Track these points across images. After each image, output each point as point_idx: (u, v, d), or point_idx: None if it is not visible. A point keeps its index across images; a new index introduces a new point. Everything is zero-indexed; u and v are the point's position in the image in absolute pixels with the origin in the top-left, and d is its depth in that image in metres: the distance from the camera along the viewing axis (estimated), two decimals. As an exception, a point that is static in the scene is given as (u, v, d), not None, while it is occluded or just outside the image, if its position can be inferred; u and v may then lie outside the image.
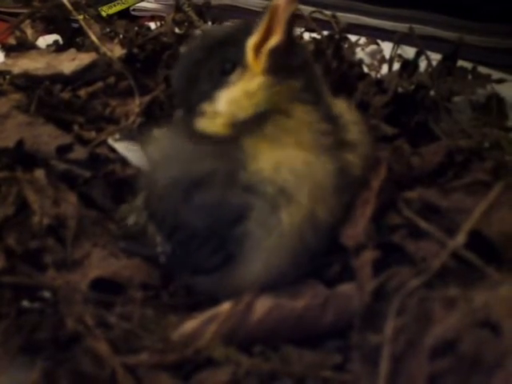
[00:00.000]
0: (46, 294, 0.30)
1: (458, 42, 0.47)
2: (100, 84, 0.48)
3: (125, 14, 0.75)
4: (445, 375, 0.24)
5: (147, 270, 0.33)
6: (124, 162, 0.41)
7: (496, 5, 0.65)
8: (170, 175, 0.31)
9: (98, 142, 0.42)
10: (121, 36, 0.54)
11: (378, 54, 0.54)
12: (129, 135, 0.44)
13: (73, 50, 0.52)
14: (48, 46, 0.54)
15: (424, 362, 0.24)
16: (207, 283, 0.32)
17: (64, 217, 0.34)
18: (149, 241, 0.33)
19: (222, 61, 0.31)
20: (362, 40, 0.55)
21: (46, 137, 0.40)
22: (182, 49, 0.51)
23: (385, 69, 0.51)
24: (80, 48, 0.52)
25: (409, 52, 0.50)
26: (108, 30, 0.54)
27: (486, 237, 0.28)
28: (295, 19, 0.30)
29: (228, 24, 0.53)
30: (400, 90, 0.45)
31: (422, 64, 0.47)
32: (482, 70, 0.47)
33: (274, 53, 0.29)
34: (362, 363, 0.26)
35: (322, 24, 0.54)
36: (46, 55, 0.51)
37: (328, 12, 0.55)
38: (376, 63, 0.52)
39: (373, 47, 0.55)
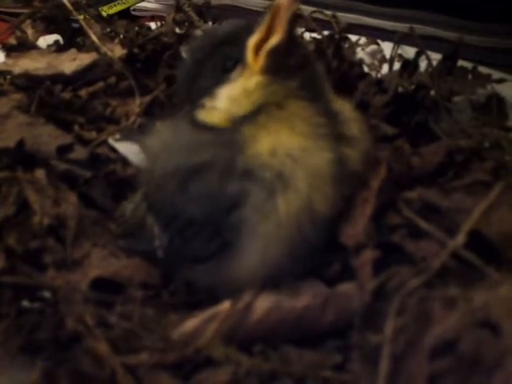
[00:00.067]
0: (46, 294, 0.31)
1: (458, 42, 0.47)
2: (100, 84, 0.48)
3: (125, 14, 0.75)
4: (444, 375, 0.24)
5: (147, 269, 0.33)
6: (124, 161, 0.41)
7: (496, 5, 0.65)
8: (168, 164, 0.32)
9: (99, 142, 0.42)
10: (121, 36, 0.54)
11: (379, 54, 0.54)
12: (129, 135, 0.44)
13: (73, 50, 0.52)
14: (49, 46, 0.54)
15: (424, 361, 0.24)
16: (205, 274, 0.32)
17: (64, 217, 0.34)
18: (147, 234, 0.33)
19: (224, 58, 0.31)
20: (363, 40, 0.55)
21: (47, 137, 0.40)
22: (183, 49, 0.51)
23: (385, 69, 0.51)
24: (80, 48, 0.53)
25: (409, 52, 0.50)
26: (108, 30, 0.54)
27: (485, 237, 0.28)
28: (296, 19, 0.30)
29: (230, 22, 0.53)
30: (400, 89, 0.46)
31: (423, 64, 0.47)
32: (482, 69, 0.47)
33: (273, 52, 0.30)
34: (361, 363, 0.26)
35: (322, 24, 0.54)
36: (47, 55, 0.51)
37: (328, 12, 0.55)
38: (376, 63, 0.52)
39: (373, 47, 0.55)
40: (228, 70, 0.31)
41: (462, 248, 0.28)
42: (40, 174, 0.36)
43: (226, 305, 0.30)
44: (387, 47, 0.52)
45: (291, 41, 0.30)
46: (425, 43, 0.47)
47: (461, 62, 0.47)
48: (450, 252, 0.28)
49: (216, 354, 0.28)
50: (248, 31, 0.31)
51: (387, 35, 0.57)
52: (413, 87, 0.45)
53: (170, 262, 0.33)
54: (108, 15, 0.66)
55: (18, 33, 0.54)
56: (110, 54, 0.49)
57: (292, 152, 0.29)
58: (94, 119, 0.45)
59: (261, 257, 0.29)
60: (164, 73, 0.49)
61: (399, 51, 0.50)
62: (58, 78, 0.47)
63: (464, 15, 0.67)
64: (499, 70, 0.49)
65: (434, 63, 0.46)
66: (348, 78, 0.47)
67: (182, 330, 0.29)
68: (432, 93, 0.45)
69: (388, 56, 0.50)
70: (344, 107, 0.33)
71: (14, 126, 0.40)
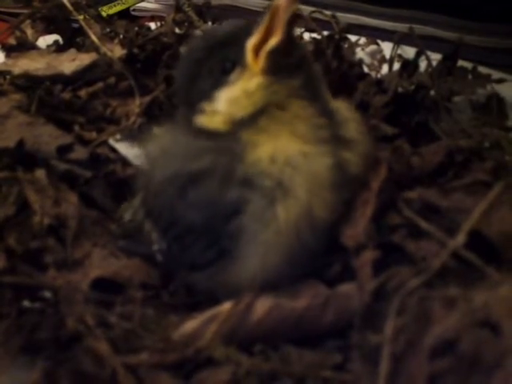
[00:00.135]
0: (47, 294, 0.31)
1: (458, 42, 0.47)
2: (100, 84, 0.48)
3: (125, 14, 0.75)
4: (444, 375, 0.24)
5: (147, 269, 0.33)
6: (124, 162, 0.41)
7: (496, 5, 0.65)
8: (167, 170, 0.31)
9: (99, 142, 0.42)
10: (121, 36, 0.54)
11: (378, 54, 0.54)
12: (129, 135, 0.44)
13: (73, 51, 0.52)
14: (48, 46, 0.54)
15: (424, 361, 0.24)
16: (204, 280, 0.32)
17: (64, 217, 0.34)
18: (145, 238, 0.33)
19: (223, 60, 0.31)
20: (362, 40, 0.55)
21: (47, 137, 0.40)
22: (183, 49, 0.51)
23: (385, 69, 0.51)
24: (80, 48, 0.53)
25: (409, 52, 0.50)
26: (108, 30, 0.54)
27: (485, 237, 0.28)
28: (295, 19, 0.30)
29: (229, 23, 0.53)
30: (400, 89, 0.46)
31: (422, 64, 0.47)
32: (482, 69, 0.47)
33: (273, 53, 0.29)
34: (362, 363, 0.26)
35: (322, 24, 0.54)
36: (47, 55, 0.51)
37: (328, 12, 0.55)
38: (376, 63, 0.53)
39: (373, 47, 0.55)
40: (227, 71, 0.31)
41: (462, 248, 0.28)
42: (40, 173, 0.36)
43: (226, 306, 0.30)
44: (387, 47, 0.52)
45: (290, 41, 0.30)
46: (424, 43, 0.47)
47: (461, 62, 0.47)
48: (450, 252, 0.28)
49: (216, 354, 0.28)
50: (246, 32, 0.31)
51: (387, 35, 0.57)
52: (413, 87, 0.45)
53: (168, 267, 0.33)
54: (108, 15, 0.66)
55: (18, 33, 0.54)
56: (109, 54, 0.49)
57: (292, 158, 0.29)
58: (94, 119, 0.45)
59: (260, 264, 0.29)
60: (164, 73, 0.49)
61: (399, 51, 0.50)
62: (58, 78, 0.47)
63: (464, 15, 0.67)
64: (499, 70, 0.49)
65: (434, 63, 0.46)
66: (348, 78, 0.47)
67: (183, 331, 0.29)
68: (432, 93, 0.45)
69: (388, 56, 0.50)
70: (341, 107, 0.33)
71: (14, 125, 0.40)
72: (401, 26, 0.64)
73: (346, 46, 0.52)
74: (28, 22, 0.55)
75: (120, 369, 0.27)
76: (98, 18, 0.56)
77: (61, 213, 0.34)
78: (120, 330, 0.29)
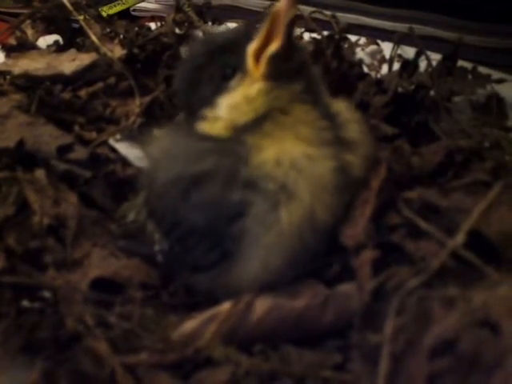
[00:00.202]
0: (46, 294, 0.31)
1: (458, 42, 0.47)
2: (100, 84, 0.48)
3: (125, 15, 0.75)
4: (444, 375, 0.24)
5: (147, 269, 0.33)
6: (124, 162, 0.41)
7: (496, 5, 0.65)
8: (170, 172, 0.31)
9: (99, 142, 0.42)
10: (121, 36, 0.54)
11: (378, 54, 0.54)
12: (129, 135, 0.44)
13: (73, 51, 0.52)
14: (48, 46, 0.54)
15: (423, 361, 0.24)
16: (206, 281, 0.32)
17: (64, 217, 0.34)
18: (147, 238, 0.33)
19: (223, 66, 0.31)
20: (362, 40, 0.55)
21: (47, 137, 0.40)
22: (183, 49, 0.51)
23: (385, 69, 0.51)
24: (80, 48, 0.53)
25: (409, 52, 0.50)
26: (108, 30, 0.54)
27: (485, 236, 0.28)
28: (295, 23, 0.30)
29: (229, 28, 0.53)
30: (400, 89, 0.46)
31: (422, 64, 0.47)
32: (482, 69, 0.47)
33: (274, 59, 0.29)
34: (361, 363, 0.26)
35: (322, 24, 0.54)
36: (47, 55, 0.51)
37: (328, 12, 0.55)
38: (376, 63, 0.52)
39: (373, 47, 0.55)
40: (227, 77, 0.31)
41: (461, 248, 0.28)
42: (40, 173, 0.36)
43: (225, 305, 0.30)
44: (387, 47, 0.52)
45: (291, 46, 0.30)
46: (424, 43, 0.47)
47: (461, 62, 0.47)
48: (449, 252, 0.28)
49: (215, 354, 0.28)
50: (246, 38, 0.31)
51: (387, 35, 0.57)
52: (412, 87, 0.45)
53: (169, 268, 0.33)
54: (108, 15, 0.66)
55: (18, 33, 0.54)
56: (109, 54, 0.49)
57: (296, 162, 0.29)
58: (94, 119, 0.45)
59: (261, 265, 0.29)
60: (164, 73, 0.49)
61: (399, 51, 0.50)
62: (58, 79, 0.47)
63: (464, 15, 0.67)
64: (499, 70, 0.49)
65: (434, 63, 0.46)
66: (348, 78, 0.47)
67: (182, 331, 0.29)
68: (432, 93, 0.45)
69: (388, 56, 0.50)
70: (342, 108, 0.33)
71: (14, 125, 0.40)
72: (401, 26, 0.64)
73: (346, 46, 0.52)
74: (28, 22, 0.55)
75: (119, 369, 0.27)
76: (98, 18, 0.56)
77: (60, 213, 0.34)
78: (119, 330, 0.29)
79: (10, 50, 0.52)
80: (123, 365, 0.27)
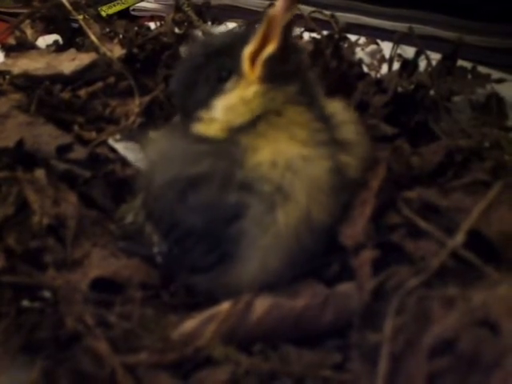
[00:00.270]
0: (46, 294, 0.31)
1: (458, 42, 0.47)
2: (100, 84, 0.48)
3: (124, 14, 0.75)
4: (443, 374, 0.24)
5: (147, 269, 0.33)
6: (124, 161, 0.41)
7: (496, 5, 0.65)
8: (167, 174, 0.32)
9: (98, 142, 0.42)
10: (120, 36, 0.54)
11: (378, 54, 0.54)
12: (129, 135, 0.44)
13: (73, 50, 0.52)
14: (48, 46, 0.54)
15: (423, 361, 0.24)
16: (205, 283, 0.32)
17: (64, 217, 0.34)
18: (146, 240, 0.33)
19: (219, 69, 0.31)
20: (362, 40, 0.55)
21: (47, 137, 0.40)
22: (182, 49, 0.51)
23: (384, 68, 0.51)
24: (80, 48, 0.53)
25: (408, 52, 0.50)
26: (108, 30, 0.54)
27: (485, 236, 0.28)
28: (292, 26, 0.30)
29: (228, 29, 0.53)
30: (400, 89, 0.46)
31: (422, 64, 0.47)
32: (482, 69, 0.47)
33: (270, 61, 0.30)
34: (361, 362, 0.26)
35: (321, 24, 0.54)
36: (46, 55, 0.51)
37: (327, 12, 0.55)
38: (376, 63, 0.52)
39: (372, 47, 0.55)
40: (223, 80, 0.31)
41: (461, 247, 0.28)
42: (40, 173, 0.36)
43: (225, 305, 0.30)
44: (386, 47, 0.52)
45: (286, 48, 0.30)
46: (424, 43, 0.47)
47: (460, 62, 0.47)
48: (449, 251, 0.28)
49: (215, 353, 0.28)
50: (242, 41, 0.31)
51: (387, 35, 0.57)
52: (412, 87, 0.45)
53: (168, 269, 0.33)
54: (107, 15, 0.66)
55: (18, 33, 0.54)
56: (109, 54, 0.49)
57: (292, 163, 0.29)
58: (94, 119, 0.45)
59: (260, 266, 0.29)
60: (163, 73, 0.49)
61: (399, 51, 0.50)
62: (58, 78, 0.47)
63: (464, 15, 0.67)
64: (499, 70, 0.49)
65: (434, 63, 0.46)
66: (347, 77, 0.47)
67: (182, 331, 0.29)
68: (431, 93, 0.45)
69: (387, 56, 0.50)
70: (337, 109, 0.33)
71: (14, 125, 0.40)
72: (400, 26, 0.64)
73: (346, 45, 0.52)
74: (28, 21, 0.55)
75: (119, 368, 0.27)
76: (98, 17, 0.56)
77: (60, 213, 0.34)
78: (119, 330, 0.29)
79: (9, 50, 0.52)
80: (123, 364, 0.27)
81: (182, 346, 0.28)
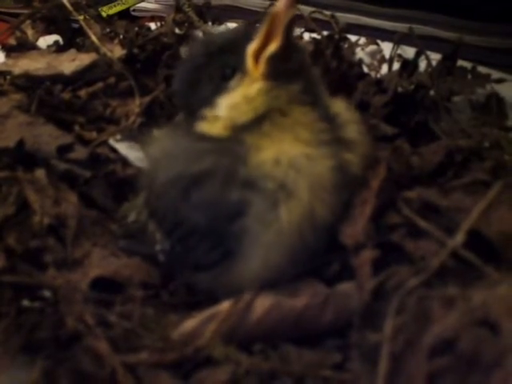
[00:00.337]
0: (47, 294, 0.31)
1: (458, 42, 0.47)
2: (100, 84, 0.48)
3: (125, 15, 0.75)
4: (443, 374, 0.24)
5: (147, 269, 0.33)
6: (124, 161, 0.41)
7: (496, 5, 0.65)
8: (170, 172, 0.32)
9: (99, 142, 0.42)
10: (121, 36, 0.54)
11: (378, 54, 0.54)
12: (129, 135, 0.44)
13: (73, 51, 0.52)
14: (48, 46, 0.54)
15: (423, 360, 0.24)
16: (206, 280, 0.32)
17: (64, 216, 0.34)
18: (149, 238, 0.33)
19: (222, 66, 0.31)
20: (362, 40, 0.55)
21: (47, 137, 0.40)
22: (183, 49, 0.51)
23: (384, 69, 0.51)
24: (80, 48, 0.53)
25: (409, 52, 0.50)
26: (108, 30, 0.54)
27: (485, 236, 0.28)
28: (294, 23, 0.30)
29: (229, 28, 0.53)
30: (400, 89, 0.46)
31: (422, 64, 0.47)
32: (482, 69, 0.47)
33: (273, 59, 0.30)
34: (361, 362, 0.26)
35: (321, 24, 0.54)
36: (47, 55, 0.51)
37: (327, 12, 0.55)
38: (376, 63, 0.52)
39: (372, 47, 0.55)
40: (227, 77, 0.31)
41: (461, 247, 0.28)
42: (40, 173, 0.36)
43: (225, 305, 0.30)
44: (387, 47, 0.52)
45: (290, 46, 0.30)
46: (424, 43, 0.47)
47: (460, 62, 0.47)
48: (449, 251, 0.28)
49: (216, 353, 0.28)
50: (246, 38, 0.31)
51: (387, 35, 0.57)
52: (412, 87, 0.45)
53: (171, 267, 0.33)
54: (108, 15, 0.66)
55: (18, 33, 0.54)
56: (109, 54, 0.49)
57: (295, 161, 0.29)
58: (94, 119, 0.46)
59: (262, 263, 0.29)
60: (164, 73, 0.49)
61: (399, 51, 0.50)
62: (58, 78, 0.47)
63: (464, 15, 0.67)
64: (499, 70, 0.49)
65: (434, 63, 0.46)
66: (347, 78, 0.47)
67: (182, 330, 0.29)
68: (431, 93, 0.45)
69: (387, 56, 0.50)
70: (340, 109, 0.33)
71: (14, 125, 0.40)
72: (400, 26, 0.64)
73: (346, 46, 0.52)
74: (28, 22, 0.55)
75: (119, 368, 0.27)
76: (98, 18, 0.56)
77: (61, 212, 0.35)
78: (120, 330, 0.29)
79: (10, 50, 0.52)
80: (123, 364, 0.27)
81: (183, 346, 0.28)
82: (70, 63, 0.49)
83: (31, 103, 0.43)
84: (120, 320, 0.29)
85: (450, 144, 0.36)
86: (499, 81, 0.46)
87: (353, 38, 0.54)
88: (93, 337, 0.28)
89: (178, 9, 0.56)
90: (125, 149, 0.42)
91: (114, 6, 0.77)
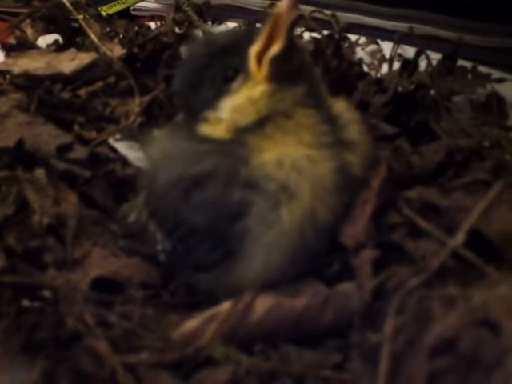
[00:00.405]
0: (47, 294, 0.30)
1: (458, 42, 0.47)
2: (100, 84, 0.48)
3: (125, 14, 0.75)
4: (444, 374, 0.24)
5: (147, 269, 0.33)
6: (124, 161, 0.41)
7: (496, 4, 0.65)
8: (171, 173, 0.31)
9: (99, 141, 0.42)
10: (121, 36, 0.54)
11: (378, 54, 0.54)
12: (129, 135, 0.44)
13: (73, 50, 0.52)
14: (48, 45, 0.54)
15: (423, 360, 0.24)
16: (208, 281, 0.32)
17: (64, 216, 0.34)
18: (149, 238, 0.33)
19: (225, 68, 0.31)
20: (362, 39, 0.55)
21: (47, 136, 0.40)
22: (183, 49, 0.51)
23: (385, 68, 0.51)
24: (80, 48, 0.53)
25: (409, 51, 0.50)
26: (108, 29, 0.54)
27: (485, 236, 0.28)
28: (296, 24, 0.30)
29: (230, 28, 0.53)
30: (400, 89, 0.46)
31: (422, 63, 0.47)
32: (482, 69, 0.47)
33: (276, 60, 0.30)
34: (361, 362, 0.26)
35: (322, 23, 0.54)
36: (46, 55, 0.51)
37: (328, 11, 0.55)
38: (376, 63, 0.52)
39: (373, 47, 0.55)
40: (229, 79, 0.31)
41: (461, 247, 0.28)
42: (40, 173, 0.36)
43: (225, 305, 0.30)
44: (387, 47, 0.52)
45: (292, 47, 0.30)
46: (424, 43, 0.47)
47: (461, 62, 0.47)
48: (449, 251, 0.28)
49: (216, 353, 0.28)
50: (248, 40, 0.31)
51: (387, 35, 0.57)
52: (412, 87, 0.45)
53: (171, 267, 0.33)
54: (108, 15, 0.66)
55: (18, 32, 0.54)
56: (109, 53, 0.49)
57: (297, 163, 0.29)
58: (94, 119, 0.45)
59: (263, 264, 0.29)
60: (163, 72, 0.49)
61: (399, 51, 0.50)
62: (58, 78, 0.47)
63: (464, 15, 0.67)
64: (499, 70, 0.49)
65: (434, 63, 0.46)
66: (348, 77, 0.47)
67: (182, 330, 0.29)
68: (432, 92, 0.45)
69: (388, 56, 0.50)
70: (342, 109, 0.33)
71: (14, 125, 0.40)
72: (401, 26, 0.64)
73: (346, 45, 0.52)
74: (28, 21, 0.55)
75: (119, 368, 0.27)
76: (98, 17, 0.56)
77: (60, 212, 0.34)
78: (120, 330, 0.29)
79: (9, 50, 0.52)
80: (123, 364, 0.27)
81: (183, 346, 0.28)
82: (70, 62, 0.49)
83: (31, 103, 0.43)
84: (120, 320, 0.29)
85: (450, 144, 0.36)
86: (499, 80, 0.46)
87: (353, 37, 0.54)
88: (93, 337, 0.28)
89: (177, 8, 0.56)
90: (124, 148, 0.42)
91: (114, 5, 0.77)
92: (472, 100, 0.46)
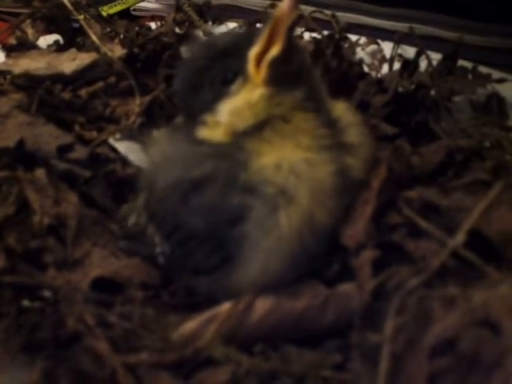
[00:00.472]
0: (47, 294, 0.30)
1: (459, 42, 0.47)
2: (100, 84, 0.48)
3: (125, 14, 0.75)
4: (444, 374, 0.24)
5: (147, 269, 0.33)
6: (124, 161, 0.41)
7: (496, 5, 0.64)
8: (170, 176, 0.31)
9: (99, 141, 0.42)
10: (121, 36, 0.54)
11: (379, 54, 0.54)
12: (129, 135, 0.44)
13: (73, 50, 0.52)
14: (49, 45, 0.54)
15: (423, 360, 0.24)
16: (206, 284, 0.32)
17: (64, 216, 0.34)
18: (148, 241, 0.33)
19: (224, 70, 0.31)
20: (363, 40, 0.55)
21: (47, 136, 0.40)
22: (183, 49, 0.51)
23: (385, 68, 0.51)
24: (81, 48, 0.53)
25: (409, 52, 0.50)
26: (108, 29, 0.54)
27: (485, 236, 0.28)
28: (295, 27, 0.30)
29: (230, 29, 0.53)
30: (400, 89, 0.46)
31: (423, 64, 0.47)
32: (483, 69, 0.47)
33: (275, 63, 0.29)
34: (361, 362, 0.26)
35: (322, 24, 0.54)
36: (47, 55, 0.51)
37: (328, 12, 0.55)
38: (376, 63, 0.52)
39: (373, 47, 0.55)
40: (228, 82, 0.31)
41: (461, 247, 0.28)
42: (40, 173, 0.36)
43: (226, 306, 0.30)
44: (387, 47, 0.52)
45: (291, 49, 0.30)
46: (425, 43, 0.47)
47: (461, 62, 0.47)
48: (449, 251, 0.28)
49: (216, 353, 0.28)
50: (247, 42, 0.31)
51: (387, 35, 0.57)
52: (413, 87, 0.45)
53: (170, 270, 0.33)
54: (108, 15, 0.66)
55: (18, 33, 0.54)
56: (109, 53, 0.49)
57: (295, 167, 0.29)
58: (94, 119, 0.45)
59: (261, 268, 0.29)
60: (164, 73, 0.49)
61: (399, 51, 0.50)
62: (58, 78, 0.47)
63: (464, 15, 0.67)
64: (499, 70, 0.49)
65: (434, 63, 0.46)
66: (348, 77, 0.47)
67: (182, 331, 0.29)
68: (432, 92, 0.45)
69: (388, 56, 0.50)
70: (342, 111, 0.33)
71: (14, 125, 0.40)
72: (401, 26, 0.64)
73: (346, 45, 0.52)
74: (28, 21, 0.55)
75: (119, 368, 0.27)
76: (99, 17, 0.56)
77: (61, 212, 0.34)
78: (120, 330, 0.29)
79: (10, 50, 0.52)
80: (124, 364, 0.27)
81: (183, 347, 0.28)
82: (71, 63, 0.49)
83: (31, 103, 0.43)
84: (120, 320, 0.29)
85: (450, 144, 0.36)
86: (500, 81, 0.46)
87: (353, 37, 0.54)
88: (93, 337, 0.28)
89: (178, 8, 0.56)
90: (125, 148, 0.42)
91: (115, 5, 0.77)
92: (472, 100, 0.46)
